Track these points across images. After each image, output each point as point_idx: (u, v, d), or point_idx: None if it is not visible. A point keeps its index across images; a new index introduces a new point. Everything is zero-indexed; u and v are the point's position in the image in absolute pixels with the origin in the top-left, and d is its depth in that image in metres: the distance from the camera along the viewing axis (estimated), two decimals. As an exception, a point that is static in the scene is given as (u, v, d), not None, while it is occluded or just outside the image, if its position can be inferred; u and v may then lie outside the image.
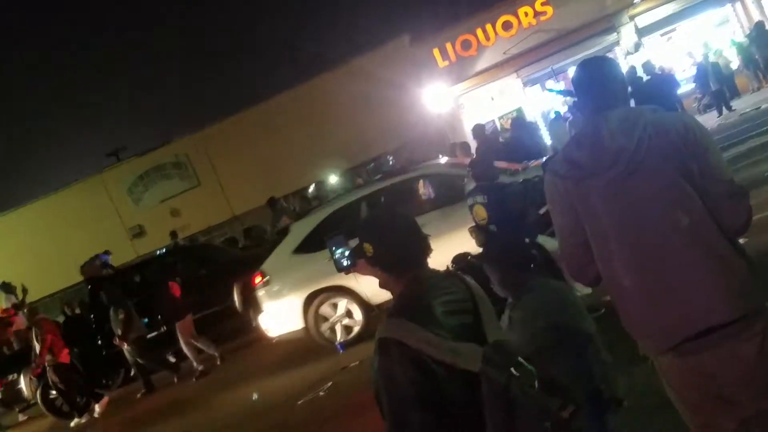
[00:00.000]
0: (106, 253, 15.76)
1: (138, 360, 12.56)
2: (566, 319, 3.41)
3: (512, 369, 2.09)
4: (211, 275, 13.88)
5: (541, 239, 7.13)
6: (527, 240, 6.85)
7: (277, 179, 22.27)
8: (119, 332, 12.21)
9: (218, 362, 12.28)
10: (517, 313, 3.51)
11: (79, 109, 58.33)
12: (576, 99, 2.97)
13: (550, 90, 18.70)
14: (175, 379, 12.60)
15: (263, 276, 10.11)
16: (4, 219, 24.94)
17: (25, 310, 13.02)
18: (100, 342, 13.39)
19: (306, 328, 9.89)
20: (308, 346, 10.99)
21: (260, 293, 10.14)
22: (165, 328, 12.69)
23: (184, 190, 24.75)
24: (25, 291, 13.59)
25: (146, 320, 12.97)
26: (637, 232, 2.57)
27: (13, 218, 24.84)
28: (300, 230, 10.19)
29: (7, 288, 15.56)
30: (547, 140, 19.33)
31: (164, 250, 17.09)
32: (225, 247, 17.37)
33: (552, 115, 19.51)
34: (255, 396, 8.88)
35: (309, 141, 22.92)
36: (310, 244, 9.60)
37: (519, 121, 16.78)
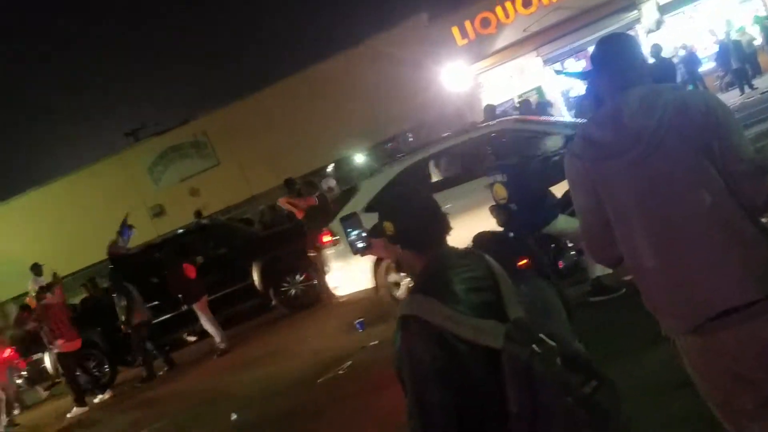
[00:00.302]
0: (129, 227, 15.73)
1: (136, 345, 12.73)
2: (546, 322, 3.44)
3: (534, 345, 2.10)
4: (230, 254, 13.94)
5: (562, 219, 7.12)
6: (534, 231, 6.86)
7: (295, 159, 22.31)
8: (122, 318, 12.34)
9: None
10: None
11: (99, 88, 58.60)
12: (588, 81, 2.94)
13: (558, 72, 18.42)
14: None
15: (332, 235, 9.74)
16: (24, 199, 25.18)
17: (33, 294, 13.10)
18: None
19: (375, 288, 9.56)
20: (326, 325, 11.08)
21: (329, 252, 9.83)
22: (185, 307, 12.77)
23: (203, 170, 24.82)
24: (54, 276, 13.57)
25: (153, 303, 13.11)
26: (658, 213, 2.55)
27: (33, 198, 25.07)
28: (370, 188, 9.68)
29: (37, 270, 15.61)
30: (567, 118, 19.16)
31: (184, 230, 17.10)
32: (244, 226, 17.41)
33: (582, 92, 19.21)
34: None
35: (327, 120, 22.89)
36: None
37: (528, 103, 17.00)
